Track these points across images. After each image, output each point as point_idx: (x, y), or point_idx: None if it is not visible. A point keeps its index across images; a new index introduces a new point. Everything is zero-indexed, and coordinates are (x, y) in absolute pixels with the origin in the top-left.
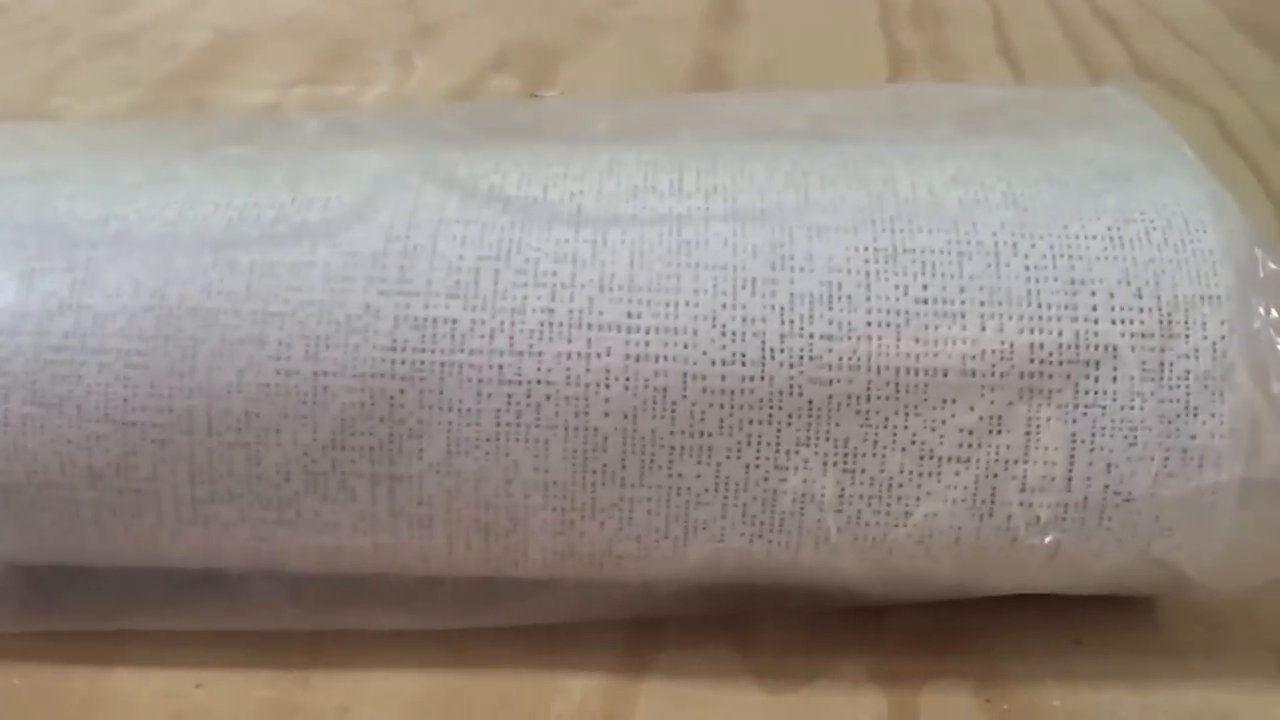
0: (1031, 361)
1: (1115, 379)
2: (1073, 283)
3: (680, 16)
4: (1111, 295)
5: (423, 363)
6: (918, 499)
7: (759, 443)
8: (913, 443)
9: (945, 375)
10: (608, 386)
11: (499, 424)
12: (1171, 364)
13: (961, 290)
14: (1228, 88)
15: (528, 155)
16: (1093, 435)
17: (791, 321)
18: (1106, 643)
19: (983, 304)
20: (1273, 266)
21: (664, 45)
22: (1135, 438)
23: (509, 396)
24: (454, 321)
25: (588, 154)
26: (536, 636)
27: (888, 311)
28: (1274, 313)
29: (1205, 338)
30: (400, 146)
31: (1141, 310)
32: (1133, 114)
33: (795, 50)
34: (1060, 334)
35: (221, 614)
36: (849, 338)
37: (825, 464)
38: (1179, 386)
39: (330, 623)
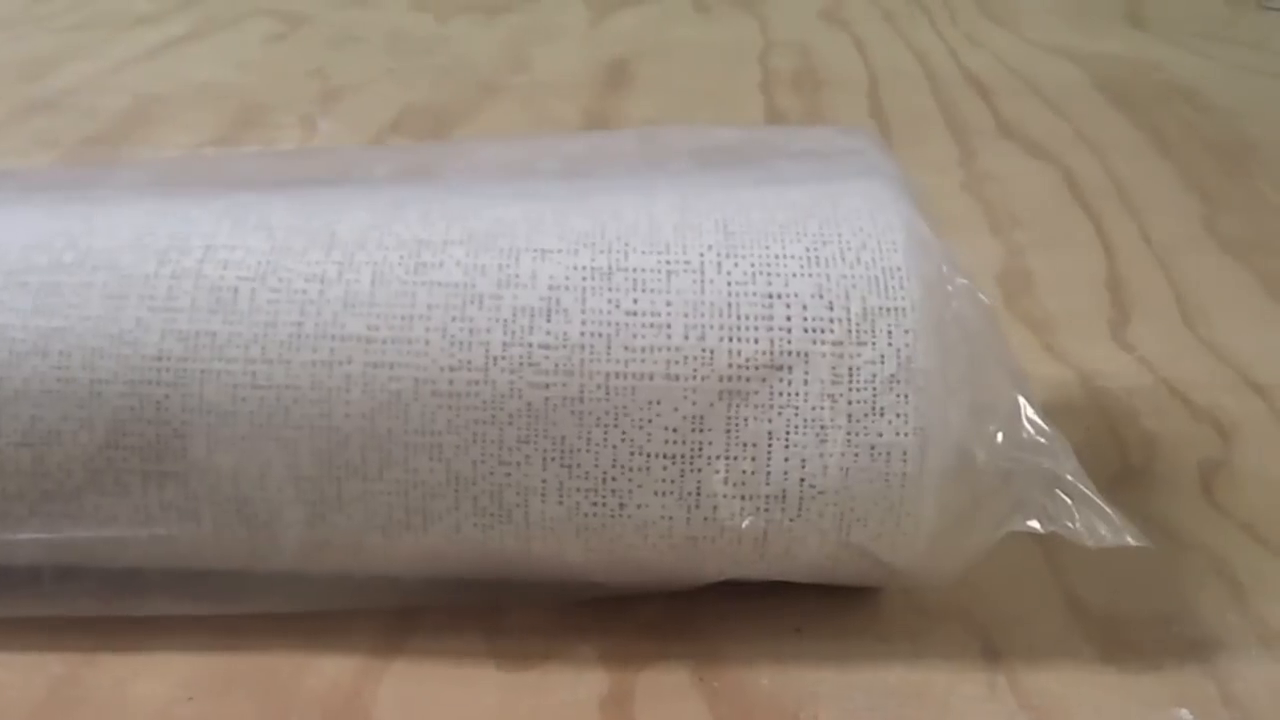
0: (730, 366)
1: (806, 382)
2: (770, 297)
3: (575, 81)
4: (805, 308)
5: (185, 370)
6: (630, 491)
7: (484, 440)
8: (623, 440)
9: (651, 379)
10: (349, 391)
11: (252, 425)
12: (859, 369)
13: (668, 304)
14: (1084, 148)
15: (304, 194)
16: (787, 433)
17: (513, 332)
18: (825, 630)
19: (686, 315)
20: (961, 281)
21: (556, 108)
22: (825, 435)
23: (261, 400)
24: (214, 334)
25: (351, 193)
26: (302, 623)
27: (600, 323)
28: (956, 320)
29: (890, 344)
30: (201, 190)
31: (832, 321)
32: (852, 150)
33: (678, 110)
34: (756, 342)
35: (17, 603)
36: (564, 346)
37: (545, 460)
38: (865, 389)
39: (118, 610)
